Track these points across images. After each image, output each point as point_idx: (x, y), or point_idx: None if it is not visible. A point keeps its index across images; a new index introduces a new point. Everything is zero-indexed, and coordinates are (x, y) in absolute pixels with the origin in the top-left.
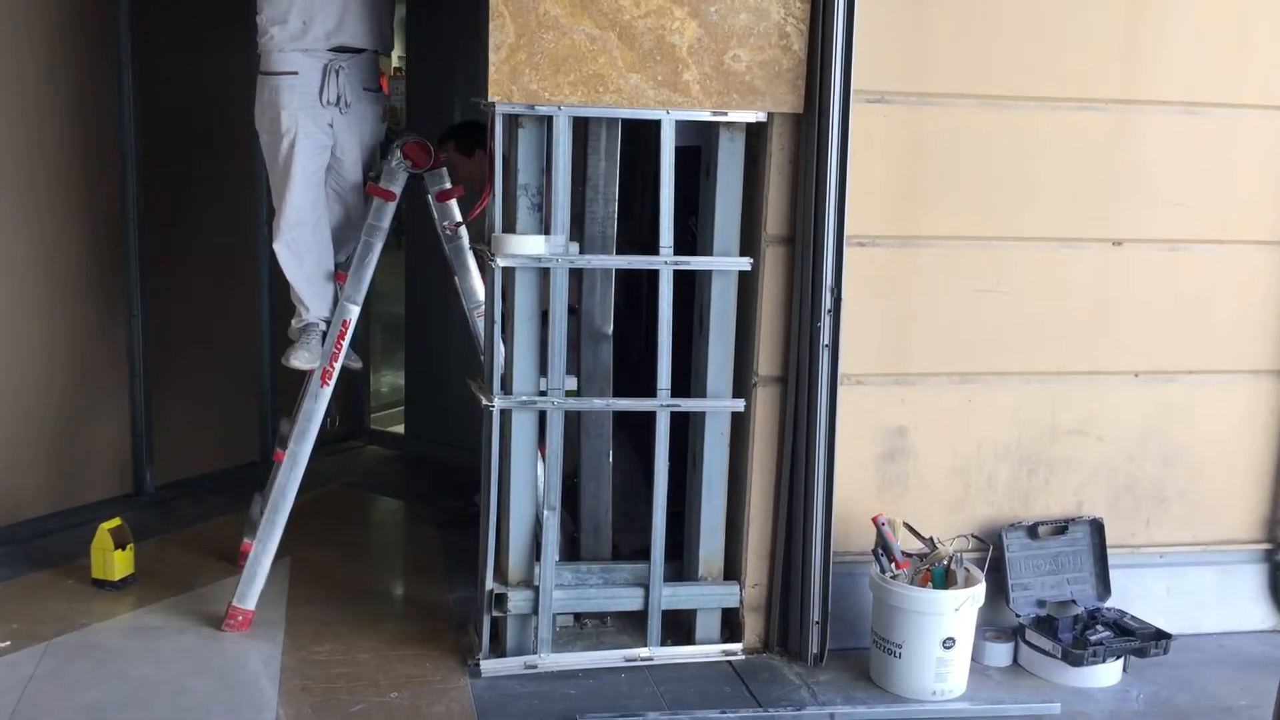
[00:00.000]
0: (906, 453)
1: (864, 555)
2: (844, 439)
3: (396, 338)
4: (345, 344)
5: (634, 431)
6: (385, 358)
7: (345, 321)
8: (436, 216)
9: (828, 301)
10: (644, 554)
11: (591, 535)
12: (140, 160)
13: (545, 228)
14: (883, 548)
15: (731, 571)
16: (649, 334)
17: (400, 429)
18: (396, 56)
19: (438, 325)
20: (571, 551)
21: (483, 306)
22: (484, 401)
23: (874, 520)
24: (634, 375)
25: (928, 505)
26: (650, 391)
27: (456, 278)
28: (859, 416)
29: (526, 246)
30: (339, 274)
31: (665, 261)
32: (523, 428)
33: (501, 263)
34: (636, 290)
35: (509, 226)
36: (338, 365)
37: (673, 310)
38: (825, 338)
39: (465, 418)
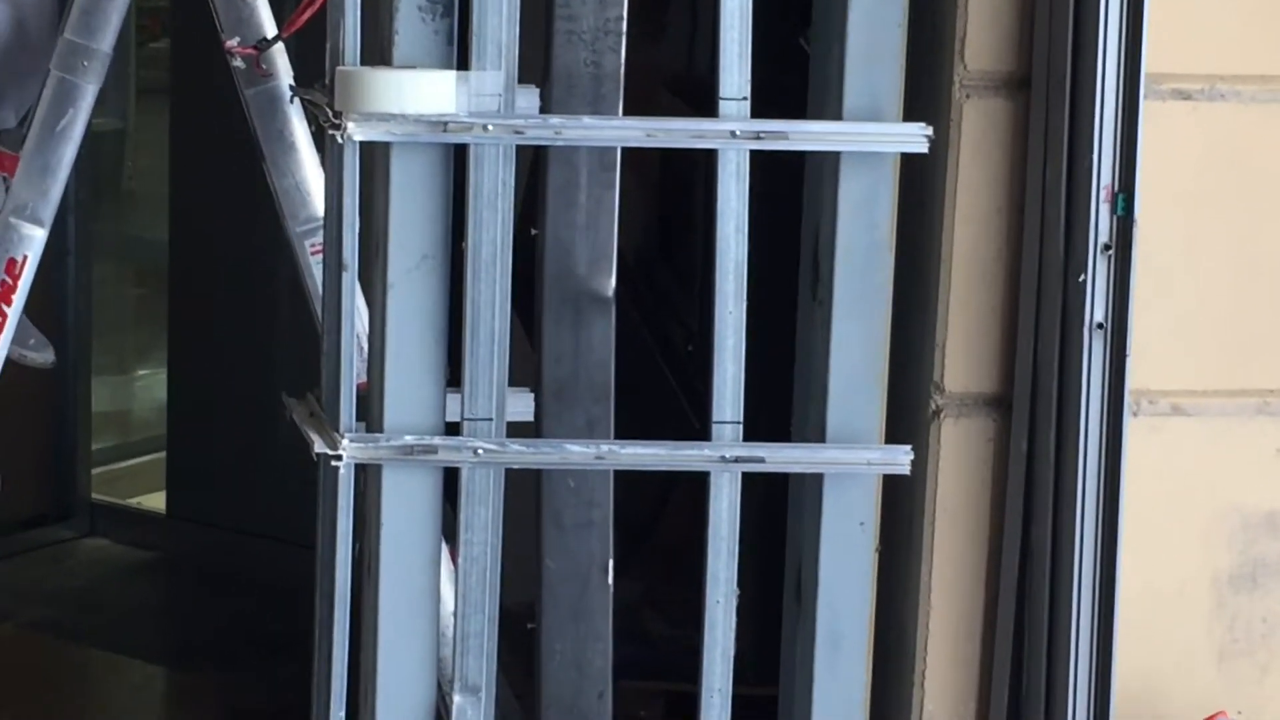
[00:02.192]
0: None
1: None
2: (1141, 538)
3: (150, 310)
4: (14, 313)
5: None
6: (126, 354)
7: (13, 262)
8: (222, 31)
9: (1103, 226)
10: None
11: None
12: None
13: (461, 55)
14: None
15: None
16: (704, 306)
17: (157, 502)
18: None
19: (241, 284)
20: None
21: (320, 231)
22: (319, 447)
23: None
24: (679, 393)
25: None
26: (703, 428)
27: (266, 167)
28: (1177, 485)
29: (418, 94)
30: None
31: (732, 132)
32: (406, 504)
33: (359, 133)
34: (683, 214)
35: (378, 54)
36: None
37: (756, 254)
38: (1097, 309)
39: (301, 480)
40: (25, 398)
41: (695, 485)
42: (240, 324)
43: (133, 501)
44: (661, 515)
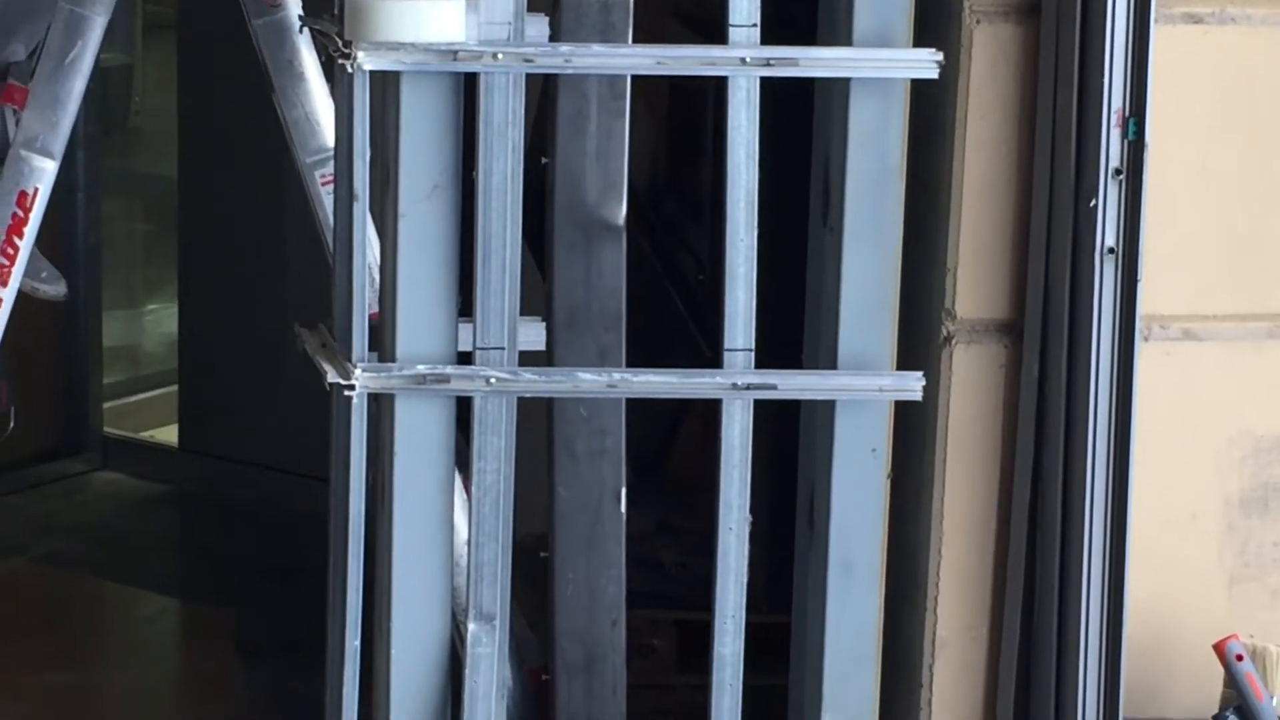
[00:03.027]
0: None
1: None
2: (1153, 462)
3: (159, 245)
4: (25, 246)
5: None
6: (135, 289)
7: (24, 194)
8: None
9: (1114, 151)
10: (692, 713)
11: (579, 675)
12: None
13: None
14: (1238, 709)
15: None
16: (715, 236)
17: (170, 436)
18: None
19: (250, 217)
20: (535, 711)
21: (331, 161)
22: (331, 376)
23: (1218, 649)
24: (690, 321)
25: None
26: (715, 354)
27: (276, 99)
28: (1188, 410)
29: (428, 23)
30: (10, 88)
31: (742, 59)
32: (420, 433)
33: (369, 62)
34: (691, 144)
35: None
36: (8, 292)
37: (768, 179)
38: (1108, 234)
39: (313, 412)
40: (37, 333)
41: (706, 415)
42: (250, 258)
43: (145, 435)
44: (672, 446)
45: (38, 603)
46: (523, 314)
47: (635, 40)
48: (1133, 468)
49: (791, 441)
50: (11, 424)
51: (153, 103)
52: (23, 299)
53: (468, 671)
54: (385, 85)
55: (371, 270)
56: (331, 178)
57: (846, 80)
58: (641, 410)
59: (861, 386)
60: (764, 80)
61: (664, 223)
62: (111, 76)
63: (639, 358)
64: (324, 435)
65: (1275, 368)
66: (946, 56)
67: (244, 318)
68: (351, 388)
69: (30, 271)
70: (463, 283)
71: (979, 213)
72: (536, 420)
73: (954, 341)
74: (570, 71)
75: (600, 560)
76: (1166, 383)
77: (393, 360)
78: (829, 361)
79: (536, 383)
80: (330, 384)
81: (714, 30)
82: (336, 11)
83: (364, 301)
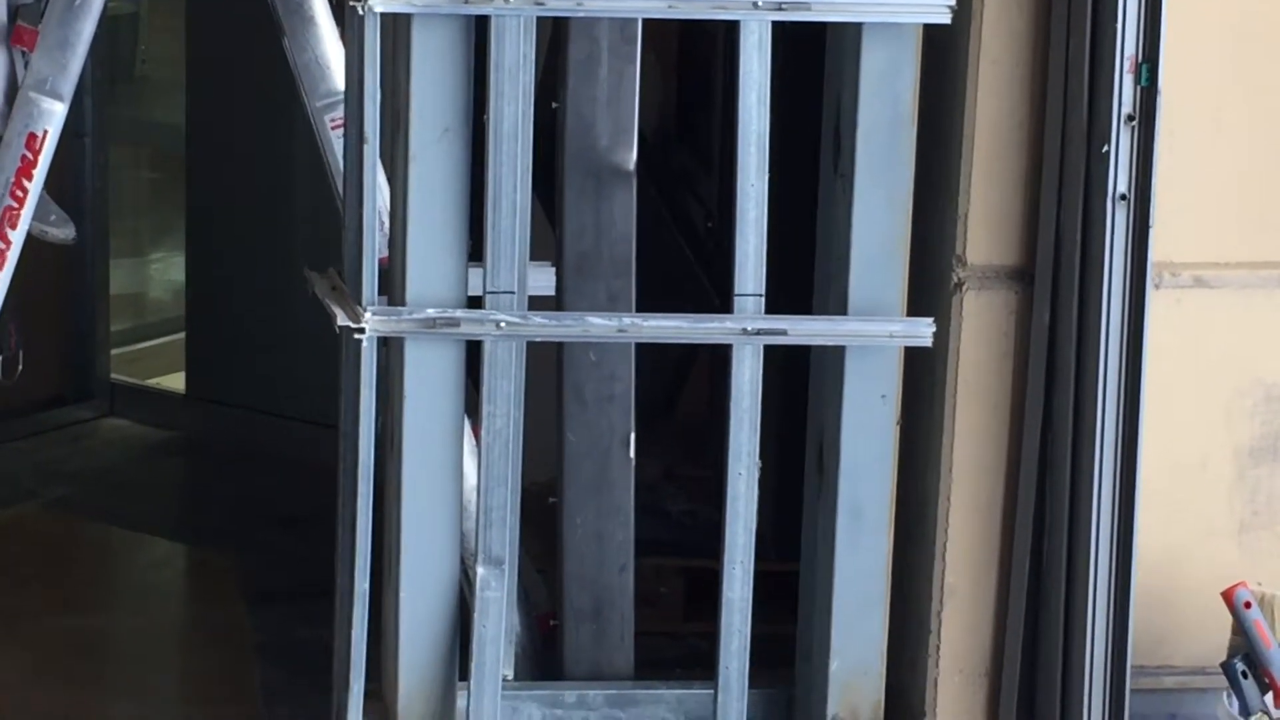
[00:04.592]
0: None
1: (1203, 671)
2: (1163, 411)
3: (166, 193)
4: (35, 188)
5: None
6: (142, 237)
7: (33, 136)
8: None
9: (1126, 97)
10: (699, 660)
11: (588, 621)
12: None
13: None
14: (1246, 657)
15: (905, 704)
16: (725, 183)
17: (176, 383)
18: None
19: (258, 164)
20: (544, 657)
21: (341, 105)
22: (341, 320)
23: (1226, 596)
24: (698, 269)
25: None
26: (724, 302)
27: (286, 43)
28: (1198, 357)
29: None
30: (19, 30)
31: (754, 3)
32: (429, 377)
33: (380, 4)
34: (701, 92)
35: None
36: (17, 235)
37: (779, 123)
38: (1120, 180)
39: (321, 359)
40: (44, 280)
41: (714, 364)
42: (257, 205)
43: (152, 382)
44: (679, 396)
45: (45, 548)
46: (532, 259)
47: None
48: (1143, 415)
49: (800, 389)
50: (20, 366)
51: (160, 50)
52: (31, 244)
53: (476, 616)
54: (396, 28)
55: (381, 214)
56: (341, 121)
57: (858, 25)
58: (649, 360)
59: (872, 332)
60: (775, 25)
61: (674, 170)
62: (119, 24)
63: (648, 306)
64: (332, 382)
65: None
66: (959, 1)
67: (251, 265)
68: (361, 331)
69: (39, 214)
70: (473, 227)
71: (990, 159)
72: (546, 367)
73: (965, 288)
74: (581, 14)
75: (609, 506)
76: (1177, 330)
77: (403, 304)
78: (839, 307)
79: (546, 327)
80: (340, 327)
81: None
82: None
83: (374, 245)
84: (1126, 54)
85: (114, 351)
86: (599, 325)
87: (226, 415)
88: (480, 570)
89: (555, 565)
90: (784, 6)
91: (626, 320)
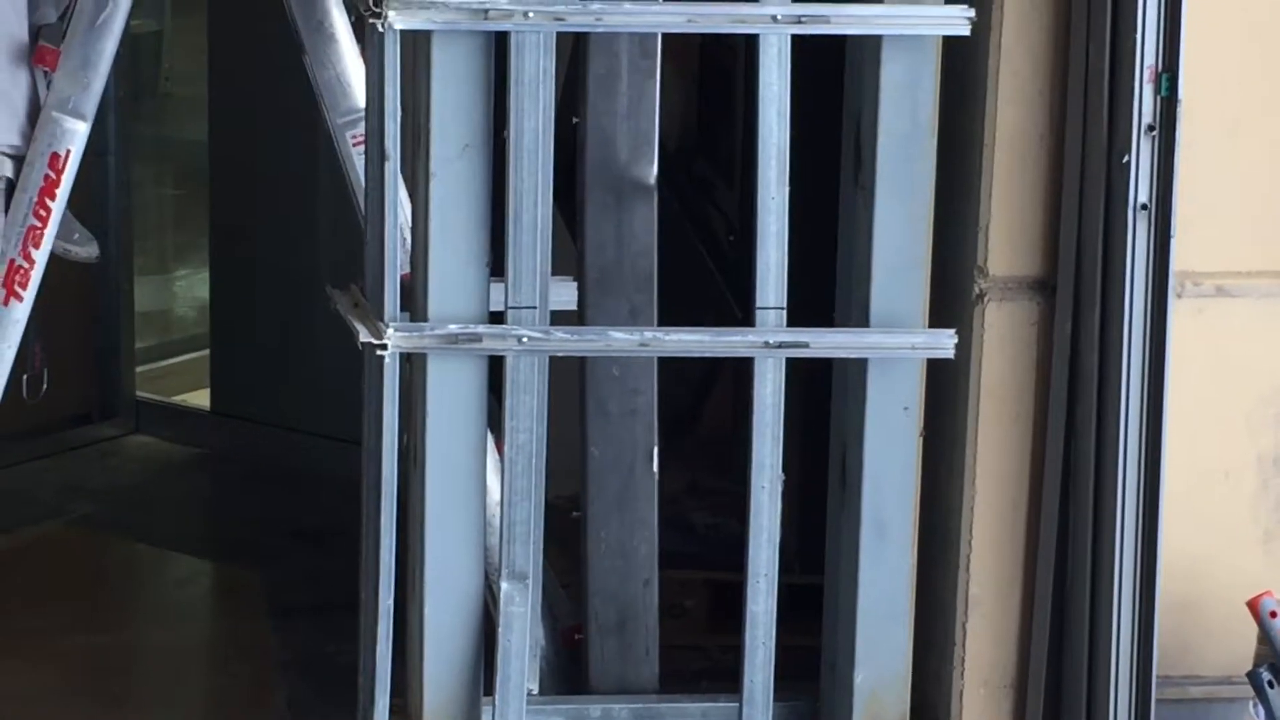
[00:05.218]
0: None
1: (1229, 681)
2: (1186, 420)
3: (190, 211)
4: (58, 207)
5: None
6: (166, 254)
7: (56, 156)
8: None
9: (1146, 107)
10: (723, 673)
11: (612, 634)
12: None
13: None
14: (1272, 666)
15: (929, 717)
16: (746, 196)
17: (201, 400)
18: None
19: (280, 181)
20: (568, 671)
21: (362, 122)
22: (364, 336)
23: (1252, 606)
24: (720, 282)
25: None
26: (746, 315)
27: (307, 60)
28: (1221, 366)
29: None
30: (41, 50)
31: (773, 16)
32: (452, 393)
33: (400, 21)
34: (722, 105)
35: None
36: (41, 254)
37: (799, 138)
38: (1141, 190)
39: (344, 375)
40: (69, 298)
41: (737, 377)
42: (281, 222)
43: (177, 399)
44: (702, 410)
45: (71, 566)
46: (554, 274)
47: None
48: (1166, 425)
49: (822, 401)
50: (45, 385)
51: (183, 68)
52: (55, 262)
53: (501, 630)
54: (416, 45)
55: (403, 230)
56: (363, 138)
57: (878, 37)
58: (672, 374)
59: (894, 344)
60: (795, 38)
61: (695, 183)
62: (142, 43)
63: (670, 319)
64: (355, 398)
65: None
66: (978, 12)
67: (275, 282)
68: (384, 347)
69: (63, 233)
70: (494, 242)
71: (1011, 169)
72: (568, 382)
73: (986, 299)
74: (601, 29)
75: (632, 519)
76: (1199, 340)
77: (425, 320)
78: (861, 319)
79: (568, 341)
80: (362, 344)
81: None
82: None
83: (396, 261)
84: (1146, 64)
85: (139, 369)
86: (621, 340)
87: (251, 431)
88: (504, 585)
89: (579, 579)
90: (803, 20)
91: (648, 334)
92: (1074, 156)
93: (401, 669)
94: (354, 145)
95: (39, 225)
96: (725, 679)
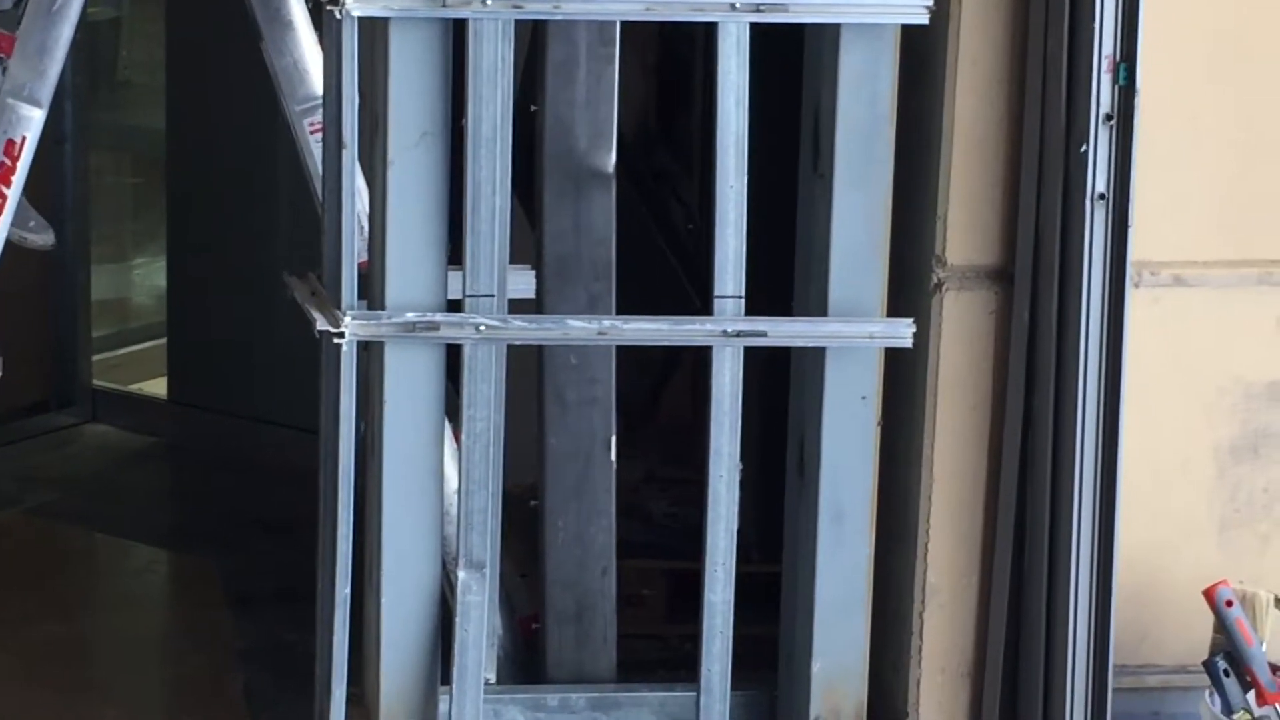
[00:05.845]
0: None
1: (1185, 670)
2: (1143, 410)
3: (147, 199)
4: (13, 195)
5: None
6: (124, 242)
7: (11, 143)
8: None
9: (1104, 96)
10: (682, 662)
11: (570, 623)
12: None
13: None
14: (1228, 655)
15: (887, 705)
16: (704, 185)
17: (158, 389)
18: None
19: (238, 170)
20: (526, 660)
21: (319, 110)
22: (321, 324)
23: (1208, 595)
24: (679, 271)
25: None
26: (705, 304)
27: (264, 47)
28: (1178, 356)
29: None
30: None
31: (731, 4)
32: (409, 381)
33: (358, 8)
34: (680, 94)
35: None
36: None
37: (757, 124)
38: (1099, 180)
39: (302, 364)
40: (26, 286)
41: (695, 367)
42: (238, 211)
43: (134, 388)
44: (660, 399)
45: (28, 555)
46: (512, 262)
47: None
48: (1123, 414)
49: (781, 390)
50: (1, 373)
51: (141, 56)
52: (11, 250)
53: (458, 620)
54: (374, 32)
55: (361, 218)
56: (320, 126)
57: (837, 26)
58: (631, 363)
59: (852, 333)
60: (753, 26)
61: (654, 172)
62: (100, 30)
63: (629, 308)
64: (313, 387)
65: (1265, 314)
66: (937, 1)
67: (232, 270)
68: (341, 335)
69: (18, 221)
70: (452, 230)
71: (969, 159)
72: (527, 370)
73: (944, 288)
74: (559, 17)
75: (590, 508)
76: (1157, 329)
77: (382, 308)
78: (819, 308)
79: (526, 330)
80: (320, 332)
81: None
82: None
83: (353, 249)
84: (1104, 54)
85: (95, 357)
86: (579, 328)
87: (208, 421)
88: (461, 574)
89: (537, 568)
90: (761, 8)
91: (606, 323)
92: (1032, 146)
93: (359, 658)
94: (311, 133)
95: None
96: (683, 668)
